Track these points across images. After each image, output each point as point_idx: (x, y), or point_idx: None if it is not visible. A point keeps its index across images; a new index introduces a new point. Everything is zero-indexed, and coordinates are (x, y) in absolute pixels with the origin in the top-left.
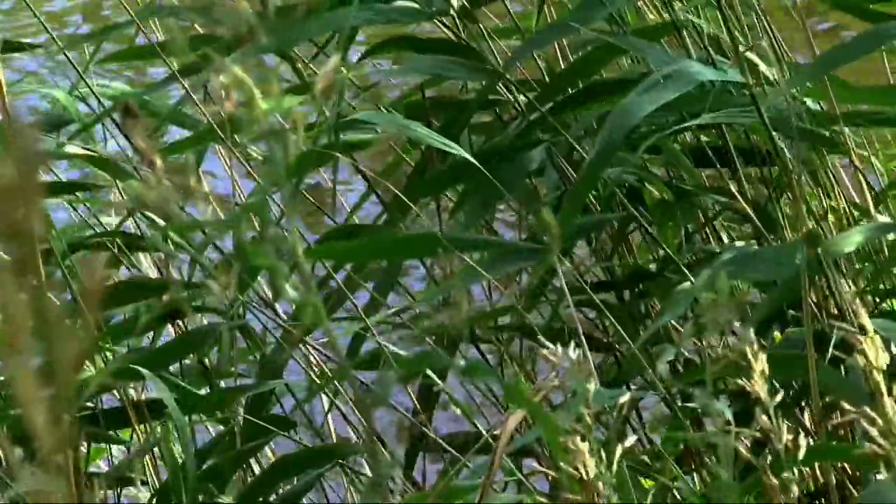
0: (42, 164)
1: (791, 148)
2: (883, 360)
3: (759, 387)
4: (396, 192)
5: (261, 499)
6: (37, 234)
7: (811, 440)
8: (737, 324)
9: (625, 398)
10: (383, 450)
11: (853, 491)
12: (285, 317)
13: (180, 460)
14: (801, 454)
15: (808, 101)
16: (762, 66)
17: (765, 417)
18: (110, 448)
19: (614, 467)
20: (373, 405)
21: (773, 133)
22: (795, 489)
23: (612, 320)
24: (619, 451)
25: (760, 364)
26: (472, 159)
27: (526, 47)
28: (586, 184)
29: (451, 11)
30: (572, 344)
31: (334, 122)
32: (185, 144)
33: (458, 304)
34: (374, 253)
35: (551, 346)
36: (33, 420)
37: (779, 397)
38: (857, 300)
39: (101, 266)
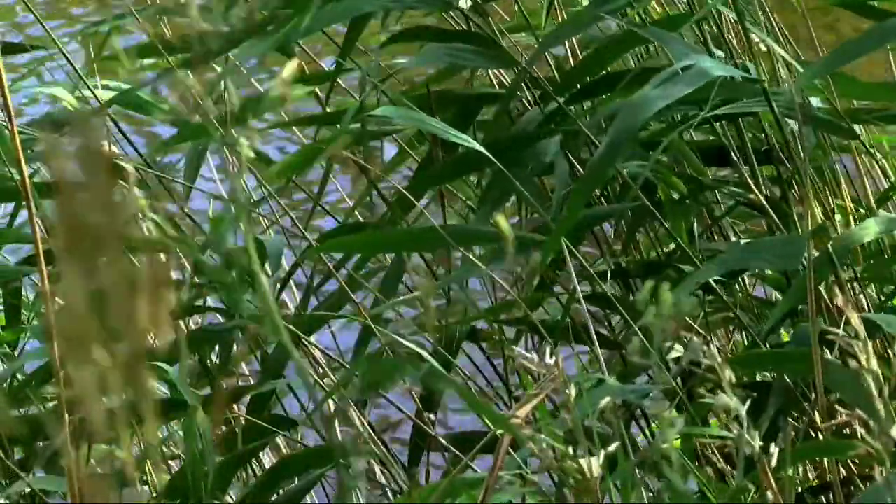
0: (108, 160)
1: (802, 142)
2: (874, 363)
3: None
4: (400, 188)
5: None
6: (103, 229)
7: (819, 436)
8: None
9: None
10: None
11: (861, 486)
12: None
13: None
14: (773, 462)
15: (813, 100)
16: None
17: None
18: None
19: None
20: (335, 417)
21: (785, 125)
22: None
23: (623, 313)
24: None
25: (726, 374)
26: (484, 151)
27: (549, 40)
28: (594, 177)
29: (464, 2)
30: (548, 350)
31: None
32: (172, 142)
33: (427, 308)
34: (378, 247)
35: (527, 353)
36: (92, 415)
37: (744, 406)
38: (847, 301)
39: (167, 261)
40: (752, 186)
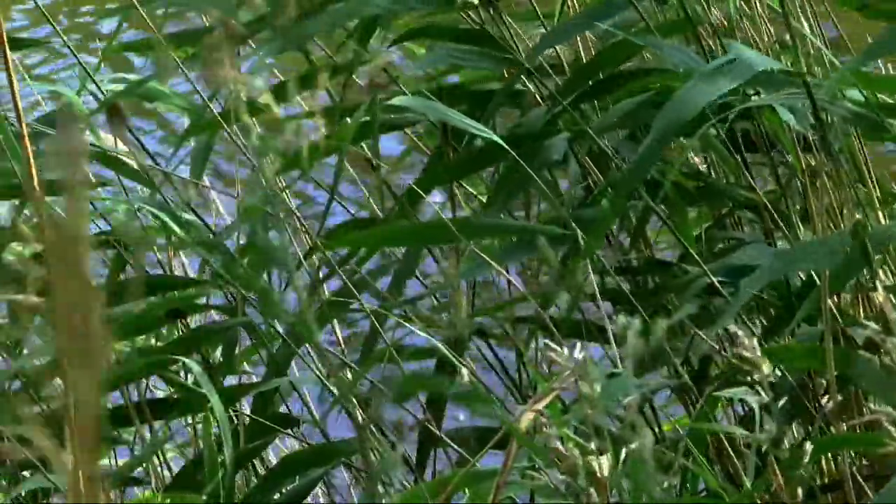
0: (84, 159)
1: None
2: None
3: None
4: (411, 184)
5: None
6: (83, 230)
7: (832, 430)
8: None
9: (632, 398)
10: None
11: (865, 486)
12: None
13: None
14: (807, 458)
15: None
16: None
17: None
18: (114, 448)
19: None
20: (370, 422)
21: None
22: (799, 491)
23: (639, 307)
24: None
25: (765, 367)
26: (502, 143)
27: (548, 40)
28: (638, 172)
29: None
30: (578, 345)
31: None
32: (187, 135)
33: (458, 304)
34: (386, 241)
35: (557, 347)
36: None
37: (782, 401)
38: (889, 298)
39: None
40: (754, 185)
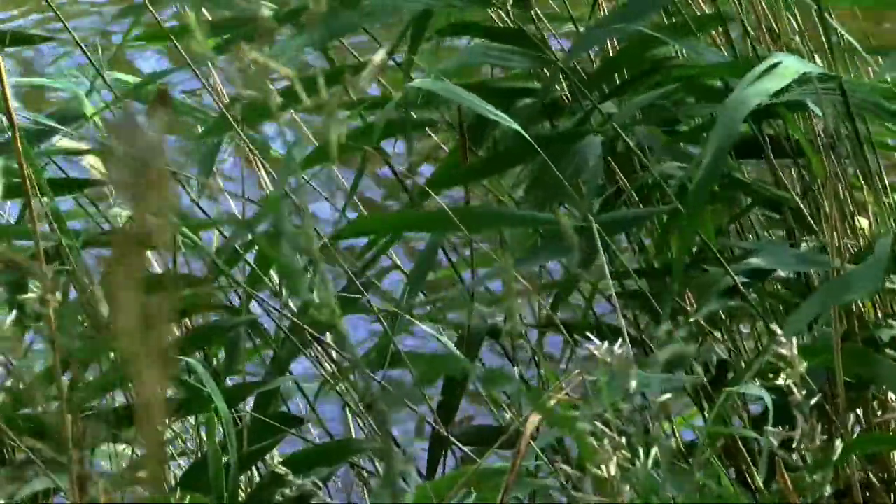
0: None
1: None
2: None
3: (797, 390)
4: (419, 184)
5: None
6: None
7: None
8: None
9: (666, 397)
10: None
11: (876, 488)
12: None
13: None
14: (836, 455)
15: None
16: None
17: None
18: (116, 448)
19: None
20: (389, 408)
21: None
22: (828, 489)
23: (655, 303)
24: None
25: (800, 367)
26: (531, 141)
27: (584, 43)
28: (707, 180)
29: None
30: (619, 341)
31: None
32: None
33: (510, 286)
34: (401, 227)
35: (597, 341)
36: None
37: (815, 399)
38: None
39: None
40: (784, 181)
